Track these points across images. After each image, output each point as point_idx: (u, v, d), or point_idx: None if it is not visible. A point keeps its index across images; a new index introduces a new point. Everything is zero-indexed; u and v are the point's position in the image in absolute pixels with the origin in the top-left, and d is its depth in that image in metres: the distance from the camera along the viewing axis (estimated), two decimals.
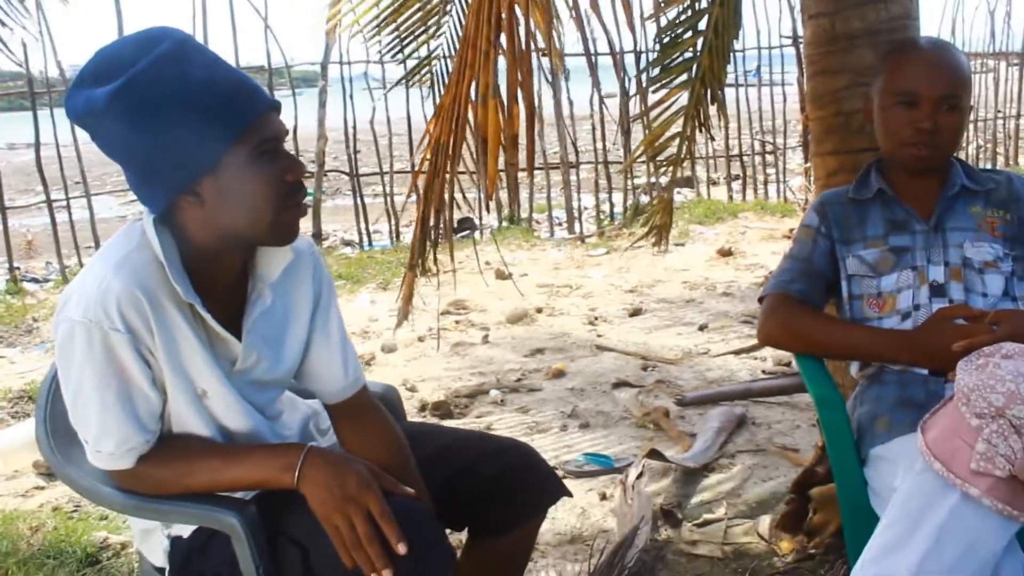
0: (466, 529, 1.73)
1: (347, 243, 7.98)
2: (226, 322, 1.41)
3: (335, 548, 1.33)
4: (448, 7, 2.44)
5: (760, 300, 1.89)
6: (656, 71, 2.20)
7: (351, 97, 7.31)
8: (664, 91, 2.21)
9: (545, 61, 1.96)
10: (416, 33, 2.62)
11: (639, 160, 8.60)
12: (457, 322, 4.94)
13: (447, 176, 1.87)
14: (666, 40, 2.16)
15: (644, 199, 8.53)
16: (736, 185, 8.82)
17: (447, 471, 1.65)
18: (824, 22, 2.07)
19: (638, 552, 2.34)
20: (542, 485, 1.73)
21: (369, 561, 1.31)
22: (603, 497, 2.88)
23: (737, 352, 4.32)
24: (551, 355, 4.50)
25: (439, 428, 1.84)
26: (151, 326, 1.33)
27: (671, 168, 2.38)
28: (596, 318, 5.14)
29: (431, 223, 2.06)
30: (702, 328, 4.82)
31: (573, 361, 4.37)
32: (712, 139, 2.39)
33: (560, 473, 3.02)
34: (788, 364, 4.02)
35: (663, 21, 2.16)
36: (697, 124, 2.19)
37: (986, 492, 1.27)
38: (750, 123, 8.63)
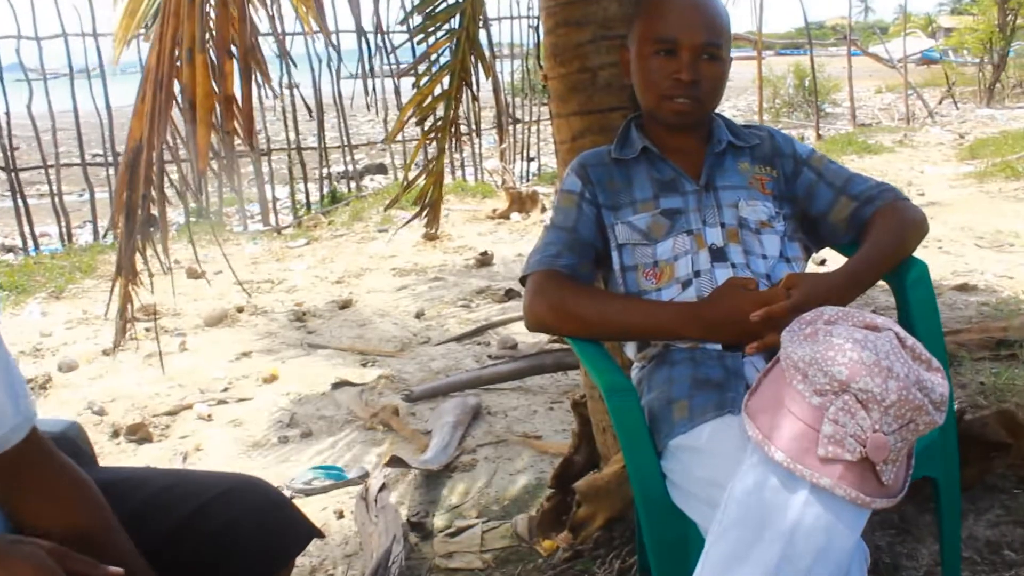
0: None
1: (8, 249, 6.94)
2: None
3: None
4: None
5: (522, 280, 1.65)
6: (419, 19, 1.90)
7: (1, 81, 6.28)
8: (430, 41, 1.92)
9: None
10: None
11: (335, 146, 8.12)
12: (148, 329, 4.33)
13: (152, 153, 1.45)
14: None
15: (341, 188, 8.20)
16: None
17: (161, 528, 1.26)
18: None
19: None
20: (286, 529, 1.38)
21: None
22: (340, 515, 2.54)
23: (459, 338, 4.13)
24: (259, 358, 4.06)
25: (145, 472, 1.42)
26: None
27: (441, 134, 2.09)
28: (304, 313, 4.74)
29: (138, 212, 1.62)
30: (419, 316, 4.59)
31: (284, 363, 3.96)
32: (475, 99, 2.15)
33: (288, 493, 2.64)
34: (514, 347, 3.88)
35: None
36: (463, 81, 1.92)
37: (838, 481, 1.10)
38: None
